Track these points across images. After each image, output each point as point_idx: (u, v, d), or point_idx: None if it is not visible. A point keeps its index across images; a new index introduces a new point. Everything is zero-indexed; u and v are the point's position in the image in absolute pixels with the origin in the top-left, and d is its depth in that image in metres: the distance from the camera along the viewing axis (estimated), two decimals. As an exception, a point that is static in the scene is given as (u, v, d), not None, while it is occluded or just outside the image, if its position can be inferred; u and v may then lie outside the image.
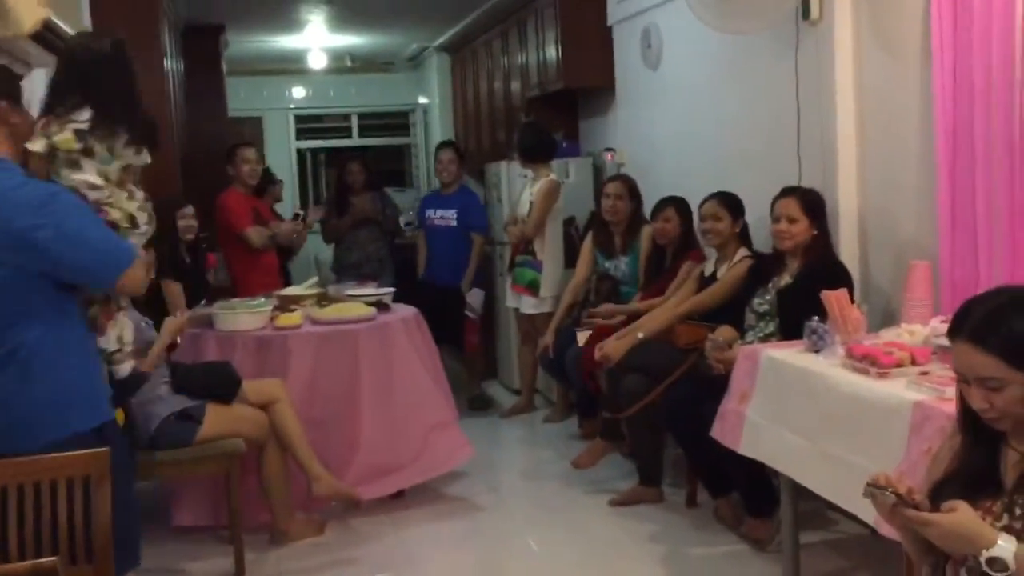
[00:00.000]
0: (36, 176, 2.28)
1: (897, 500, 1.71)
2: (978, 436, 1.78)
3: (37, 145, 2.26)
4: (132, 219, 2.37)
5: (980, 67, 3.07)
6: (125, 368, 2.57)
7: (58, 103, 2.30)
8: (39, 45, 3.37)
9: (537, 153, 5.60)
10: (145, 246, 2.52)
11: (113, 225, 2.33)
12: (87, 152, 2.28)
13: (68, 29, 3.66)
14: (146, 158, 2.49)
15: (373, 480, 4.09)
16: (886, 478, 1.77)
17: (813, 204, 3.60)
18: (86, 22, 4.34)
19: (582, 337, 4.66)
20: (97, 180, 2.30)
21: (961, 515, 1.63)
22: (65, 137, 2.25)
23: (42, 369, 2.24)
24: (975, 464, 1.78)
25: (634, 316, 4.47)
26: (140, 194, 2.44)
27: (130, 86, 2.45)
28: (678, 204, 4.50)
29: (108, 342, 2.42)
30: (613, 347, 4.16)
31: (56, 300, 2.26)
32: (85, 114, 2.32)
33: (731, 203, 4.08)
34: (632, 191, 4.97)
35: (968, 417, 1.78)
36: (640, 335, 4.12)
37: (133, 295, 2.44)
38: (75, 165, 2.27)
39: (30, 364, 2.23)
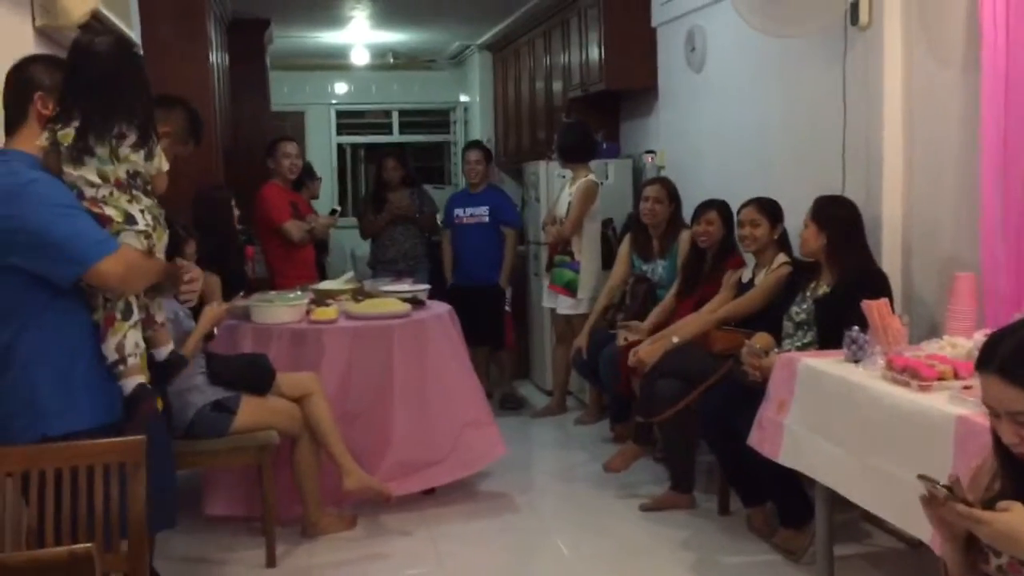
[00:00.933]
0: (49, 170, 2.29)
1: (948, 494, 1.67)
2: (1016, 468, 1.74)
3: (42, 139, 2.29)
4: (129, 217, 2.30)
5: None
6: (163, 352, 2.56)
7: (65, 99, 2.31)
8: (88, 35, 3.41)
9: (577, 153, 5.58)
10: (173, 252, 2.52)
11: (107, 221, 2.28)
12: (87, 150, 2.28)
13: (116, 20, 3.71)
14: (160, 164, 2.39)
15: (404, 476, 4.09)
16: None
17: (769, 209, 3.97)
18: (135, 14, 4.38)
19: (622, 336, 4.63)
20: (94, 178, 2.28)
21: (1016, 515, 1.59)
22: (66, 132, 2.27)
23: (18, 369, 2.26)
24: (1018, 491, 1.74)
25: (662, 324, 4.49)
26: (147, 200, 2.36)
27: (133, 87, 2.35)
28: (720, 207, 4.46)
29: (107, 350, 2.32)
30: (647, 351, 4.14)
31: (43, 299, 2.25)
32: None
33: (770, 209, 4.04)
34: (671, 194, 4.94)
35: (1002, 449, 1.74)
36: (675, 339, 4.10)
37: (114, 292, 2.29)
38: (77, 161, 2.28)
39: (9, 363, 2.26)
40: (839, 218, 3.57)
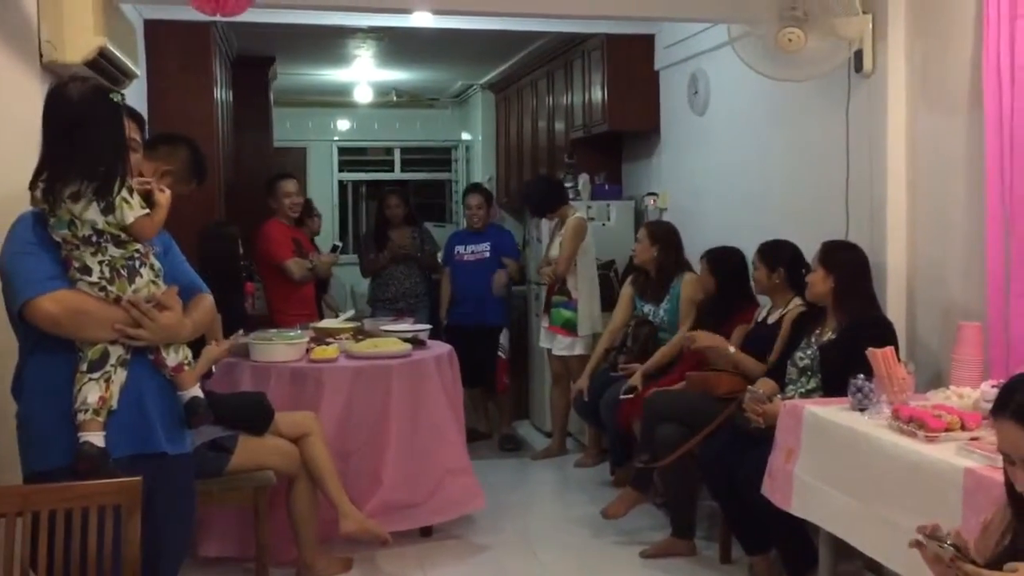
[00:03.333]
0: None
1: (955, 554, 1.65)
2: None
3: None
4: (85, 268, 2.26)
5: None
6: (185, 395, 2.49)
7: (41, 148, 2.32)
8: (94, 72, 3.42)
9: (549, 204, 5.64)
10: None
11: (69, 267, 2.27)
12: (50, 211, 2.27)
13: (123, 57, 3.72)
14: (124, 216, 2.27)
15: (388, 514, 4.05)
16: (937, 527, 1.71)
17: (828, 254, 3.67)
18: (141, 51, 4.41)
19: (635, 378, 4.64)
20: (57, 238, 2.27)
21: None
22: (34, 196, 2.29)
23: (23, 400, 2.34)
24: None
25: (664, 368, 4.51)
26: (116, 251, 2.29)
27: (99, 136, 2.25)
28: (708, 257, 4.50)
29: (73, 398, 2.27)
30: (704, 335, 4.14)
31: (37, 334, 2.28)
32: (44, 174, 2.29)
33: (768, 253, 4.06)
34: (656, 236, 4.94)
35: (1016, 498, 1.72)
36: (731, 349, 4.07)
37: (55, 333, 2.23)
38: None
39: (19, 392, 2.35)
40: (847, 262, 3.56)
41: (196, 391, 2.49)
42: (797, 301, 3.98)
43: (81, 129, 2.26)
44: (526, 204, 5.68)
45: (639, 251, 4.99)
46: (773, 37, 3.64)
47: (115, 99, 2.31)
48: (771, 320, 4.08)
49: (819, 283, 3.55)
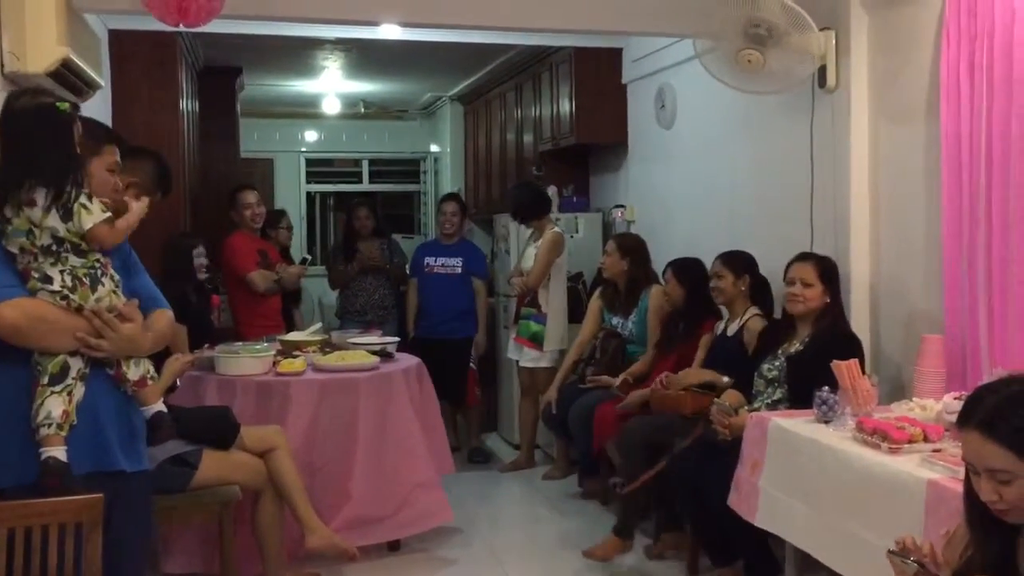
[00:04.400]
0: None
1: (919, 569, 1.66)
2: (987, 529, 1.73)
3: None
4: (46, 277, 2.24)
5: (988, 136, 3.06)
6: (149, 410, 2.47)
7: None
8: (57, 83, 3.38)
9: (533, 211, 5.62)
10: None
11: (28, 277, 2.25)
12: (4, 220, 2.26)
13: (87, 68, 3.68)
14: (82, 222, 2.27)
15: (355, 529, 4.02)
16: (912, 541, 1.72)
17: (829, 272, 3.59)
18: (105, 61, 4.36)
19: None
20: (13, 249, 2.25)
21: None
22: None
23: None
24: (991, 554, 1.73)
25: (640, 378, 4.49)
26: (77, 260, 2.28)
27: (45, 147, 2.25)
28: (674, 267, 4.56)
29: (31, 413, 2.25)
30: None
31: (7, 349, 2.25)
32: None
33: (733, 261, 4.10)
34: (624, 249, 4.97)
35: (975, 510, 1.73)
36: (725, 379, 4.00)
37: (11, 341, 2.20)
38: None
39: None
40: (838, 281, 3.60)
41: (159, 406, 2.47)
42: (754, 310, 4.02)
43: (30, 139, 2.25)
44: (512, 207, 5.65)
45: (609, 264, 5.01)
46: (734, 56, 3.68)
47: (62, 108, 2.31)
48: (731, 332, 4.11)
49: (816, 298, 3.54)
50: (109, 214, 2.34)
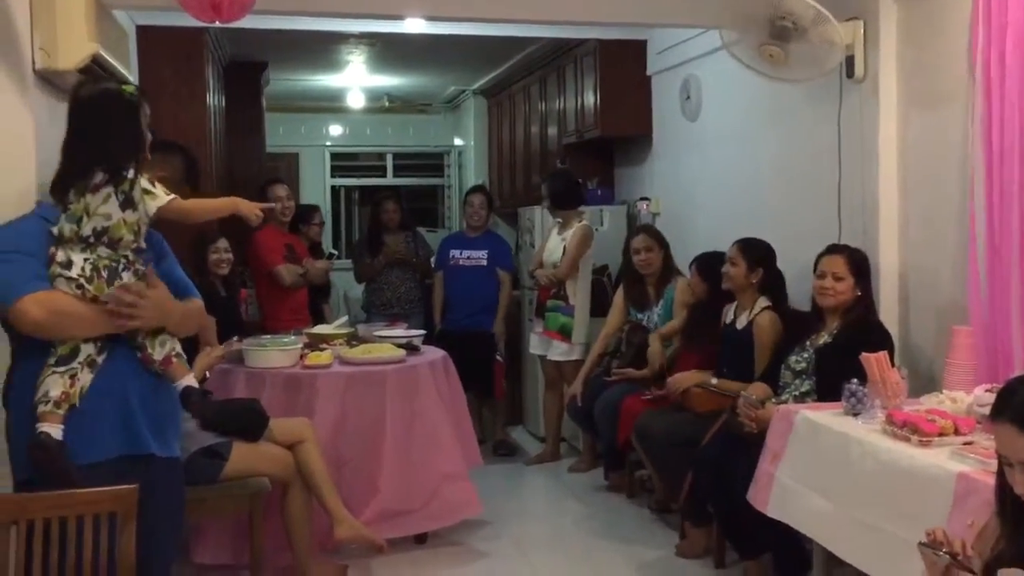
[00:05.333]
0: None
1: (952, 561, 1.66)
2: (1019, 522, 1.72)
3: None
4: (68, 263, 2.27)
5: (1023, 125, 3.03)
6: (179, 384, 2.49)
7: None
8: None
9: (567, 199, 5.60)
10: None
11: (52, 263, 2.29)
12: (62, 202, 2.29)
13: (116, 63, 3.72)
14: (147, 208, 2.34)
15: (383, 521, 4.04)
16: (943, 533, 1.71)
17: (860, 264, 3.56)
18: (134, 57, 4.40)
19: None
20: (66, 232, 2.28)
21: None
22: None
23: (7, 410, 2.37)
24: (1023, 547, 1.72)
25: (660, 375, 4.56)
26: (105, 252, 2.32)
27: (112, 132, 2.31)
28: (699, 263, 4.55)
29: (37, 393, 2.30)
30: (682, 377, 4.24)
31: (22, 342, 2.31)
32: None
33: (749, 251, 4.06)
34: (659, 241, 4.96)
35: (1008, 503, 1.72)
36: (713, 381, 4.12)
37: (39, 335, 2.25)
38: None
39: (6, 404, 2.37)
40: (869, 273, 3.58)
41: (189, 380, 2.49)
42: (763, 302, 3.99)
43: (100, 124, 2.30)
44: (549, 194, 5.65)
45: (651, 259, 4.94)
46: (756, 50, 3.66)
47: (128, 92, 2.36)
48: (740, 324, 4.08)
49: (847, 291, 3.51)
50: (174, 196, 2.40)
